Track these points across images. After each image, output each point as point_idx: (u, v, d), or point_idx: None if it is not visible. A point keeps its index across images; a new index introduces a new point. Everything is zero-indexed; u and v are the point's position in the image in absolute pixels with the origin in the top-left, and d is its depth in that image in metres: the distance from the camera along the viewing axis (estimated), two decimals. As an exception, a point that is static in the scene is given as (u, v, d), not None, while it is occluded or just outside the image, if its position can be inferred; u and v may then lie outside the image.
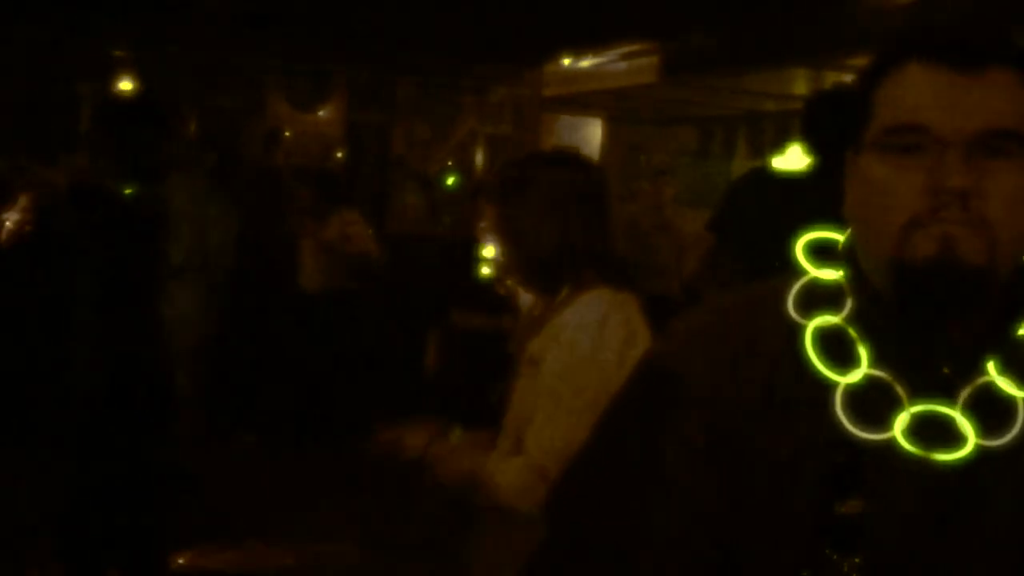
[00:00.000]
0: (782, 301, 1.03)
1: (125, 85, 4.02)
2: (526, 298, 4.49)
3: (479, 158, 8.10)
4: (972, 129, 0.93)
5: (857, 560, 0.88)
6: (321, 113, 7.49)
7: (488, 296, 4.58)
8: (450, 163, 8.23)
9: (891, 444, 0.96)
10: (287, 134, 7.31)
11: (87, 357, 3.02)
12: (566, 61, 7.60)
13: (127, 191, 2.97)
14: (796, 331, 1.01)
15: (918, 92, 0.96)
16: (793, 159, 4.81)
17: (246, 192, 5.94)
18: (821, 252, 1.06)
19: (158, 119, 3.04)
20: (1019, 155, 0.94)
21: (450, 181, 8.07)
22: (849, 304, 1.01)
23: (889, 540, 0.94)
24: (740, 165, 8.02)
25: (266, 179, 6.72)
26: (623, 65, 7.30)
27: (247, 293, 5.21)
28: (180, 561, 4.05)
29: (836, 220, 1.06)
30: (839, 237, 1.06)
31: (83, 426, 3.02)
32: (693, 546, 1.01)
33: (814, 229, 1.07)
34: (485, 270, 4.31)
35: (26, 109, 6.02)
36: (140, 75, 4.01)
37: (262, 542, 4.37)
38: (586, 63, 7.52)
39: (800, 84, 6.91)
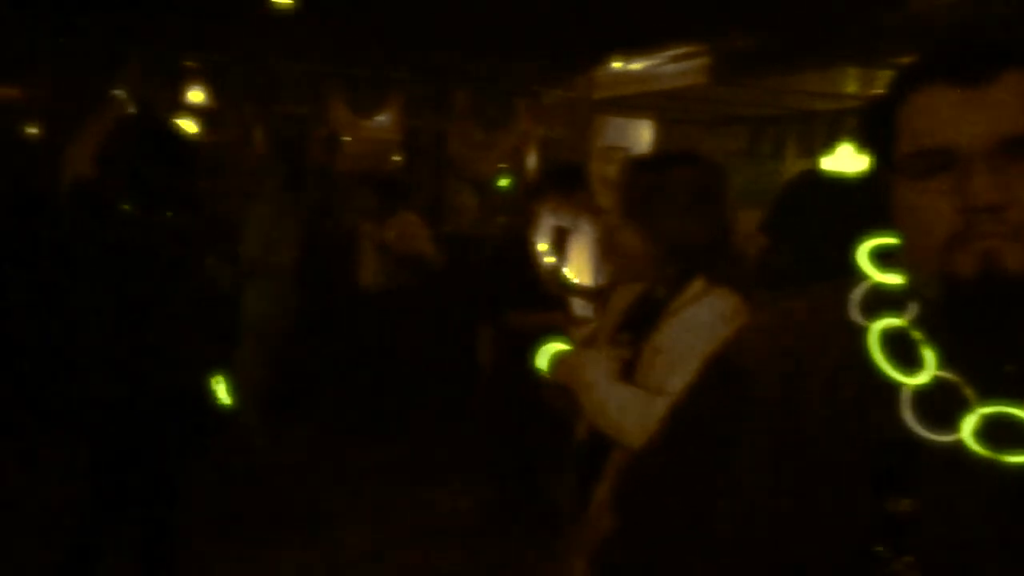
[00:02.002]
0: (845, 304, 1.03)
1: (195, 95, 4.22)
2: (576, 298, 4.59)
3: (531, 160, 8.20)
4: (991, 139, 0.92)
5: (909, 559, 0.88)
6: (379, 119, 7.66)
7: (540, 295, 4.69)
8: (503, 165, 8.35)
9: (958, 446, 0.94)
10: (347, 139, 7.50)
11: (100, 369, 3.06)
12: (617, 64, 7.67)
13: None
14: (861, 333, 1.00)
15: (932, 114, 0.96)
16: (844, 159, 4.82)
17: (309, 194, 6.10)
18: (882, 257, 1.05)
19: (171, 154, 3.06)
20: None
21: (504, 183, 8.18)
22: (913, 307, 1.00)
23: (947, 541, 0.92)
24: (791, 165, 7.98)
25: (327, 182, 6.91)
26: (673, 67, 7.32)
27: (309, 292, 5.35)
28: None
29: (891, 223, 1.06)
30: (899, 242, 1.05)
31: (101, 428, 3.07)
32: (755, 546, 1.01)
33: (875, 234, 1.07)
34: (542, 266, 4.43)
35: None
36: (209, 83, 4.18)
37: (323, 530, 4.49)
38: (636, 66, 7.57)
39: (851, 83, 6.84)
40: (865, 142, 3.31)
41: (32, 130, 7.15)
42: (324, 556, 4.21)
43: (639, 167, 2.16)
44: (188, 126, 5.52)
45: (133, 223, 3.02)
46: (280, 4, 6.22)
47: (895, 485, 0.89)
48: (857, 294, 1.03)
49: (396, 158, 7.93)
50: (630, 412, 1.93)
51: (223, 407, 3.13)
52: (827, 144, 6.93)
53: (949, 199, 0.94)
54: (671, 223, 2.00)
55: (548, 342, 2.24)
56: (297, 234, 5.07)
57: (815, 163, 6.65)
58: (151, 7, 6.08)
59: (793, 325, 1.05)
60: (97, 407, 3.02)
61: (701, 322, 1.94)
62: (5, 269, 5.26)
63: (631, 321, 2.16)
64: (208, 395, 3.10)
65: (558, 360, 2.16)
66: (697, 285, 2.02)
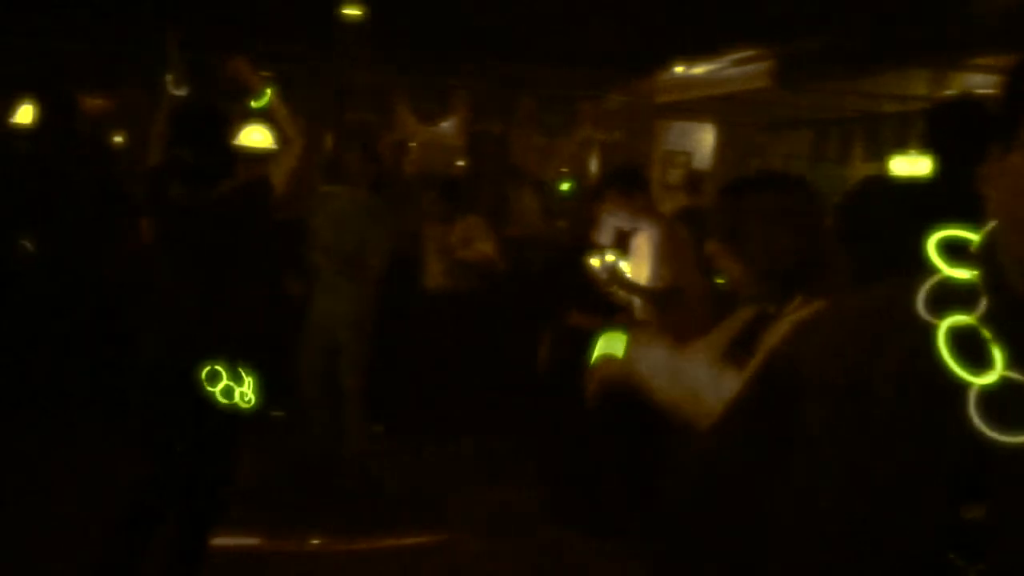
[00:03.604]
0: (912, 300, 1.00)
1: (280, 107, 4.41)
2: (637, 302, 4.63)
3: (593, 164, 8.25)
4: None
5: (982, 567, 0.86)
6: (444, 124, 7.80)
7: (601, 297, 4.73)
8: (565, 169, 8.41)
9: None
10: (413, 145, 7.64)
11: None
12: (679, 68, 7.67)
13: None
14: (928, 330, 0.97)
15: None
16: (914, 162, 4.77)
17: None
18: (953, 251, 1.03)
19: (204, 136, 3.23)
20: None
21: (565, 187, 8.24)
22: (983, 304, 0.97)
23: (1020, 549, 0.89)
24: (857, 168, 7.89)
25: (394, 187, 7.04)
26: (735, 71, 7.30)
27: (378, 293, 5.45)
28: (315, 542, 4.35)
29: (962, 224, 1.05)
30: (973, 236, 1.02)
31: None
32: (814, 548, 1.00)
33: (946, 227, 1.05)
34: (593, 268, 4.46)
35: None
36: (284, 93, 4.35)
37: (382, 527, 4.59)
38: (699, 70, 7.57)
39: (919, 84, 6.73)
40: (949, 133, 3.23)
41: (118, 139, 7.46)
42: (389, 549, 4.30)
43: (728, 192, 2.21)
44: (261, 134, 5.67)
45: (182, 210, 3.17)
46: (349, 15, 6.40)
47: (969, 491, 0.87)
48: (925, 289, 1.00)
49: (460, 163, 8.05)
50: (708, 389, 1.96)
51: (247, 405, 3.21)
52: (896, 147, 6.85)
53: None
54: (760, 246, 2.05)
55: (610, 335, 2.27)
56: (389, 238, 5.18)
57: (883, 167, 6.58)
58: (226, 18, 6.30)
59: (857, 323, 1.04)
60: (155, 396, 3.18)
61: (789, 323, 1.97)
62: (92, 273, 5.51)
63: (744, 337, 2.19)
64: (233, 391, 3.19)
65: (631, 349, 2.16)
66: (797, 302, 2.07)
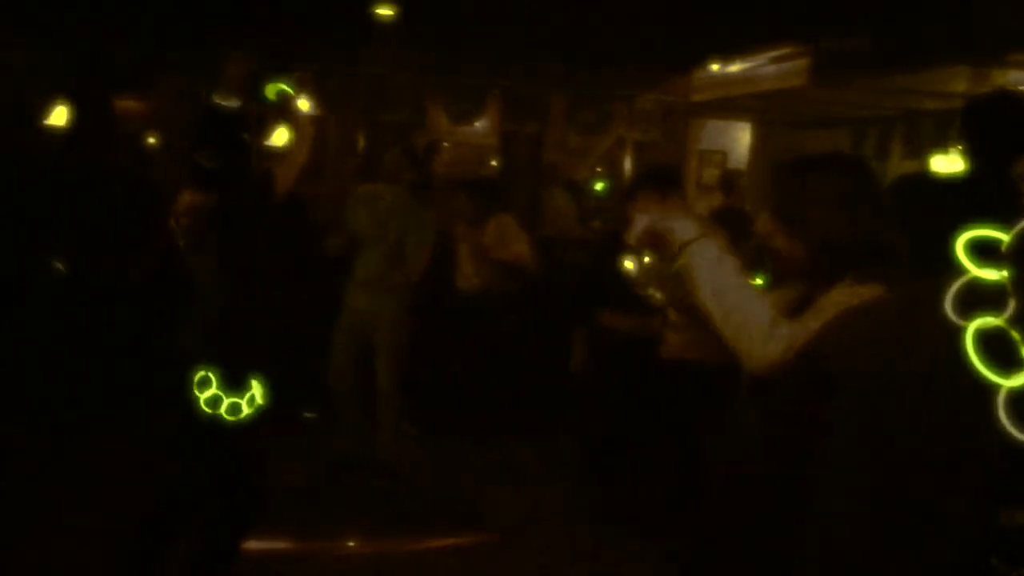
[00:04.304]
0: (941, 301, 1.00)
1: (302, 103, 4.39)
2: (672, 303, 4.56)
3: (627, 164, 8.20)
4: None
5: (1022, 572, 0.86)
6: (477, 124, 7.79)
7: (636, 299, 4.69)
8: (599, 169, 8.37)
9: None
10: (446, 145, 7.65)
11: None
12: (714, 66, 7.61)
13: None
14: (956, 332, 0.98)
15: None
16: (954, 161, 4.68)
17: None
18: (983, 251, 1.02)
19: (215, 140, 3.28)
20: None
21: (599, 187, 8.21)
22: (1012, 305, 0.98)
23: None
24: (896, 167, 7.78)
25: (426, 188, 7.03)
26: (772, 68, 7.23)
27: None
28: (351, 544, 4.35)
29: (997, 223, 1.03)
30: (1003, 236, 1.02)
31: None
32: (845, 533, 1.00)
33: (975, 227, 1.04)
34: (628, 271, 4.42)
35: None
36: (320, 94, 4.40)
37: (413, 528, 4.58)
38: (735, 68, 7.50)
39: (960, 81, 6.60)
40: (988, 130, 3.15)
41: (152, 139, 7.53)
42: (423, 551, 4.30)
43: (784, 171, 2.19)
44: (287, 134, 5.72)
45: (202, 211, 3.20)
46: (382, 15, 6.40)
47: (1010, 495, 0.87)
48: (954, 290, 1.00)
49: (493, 163, 8.04)
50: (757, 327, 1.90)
51: (232, 417, 3.20)
52: (936, 145, 6.73)
53: None
54: (819, 226, 2.03)
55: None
56: (428, 238, 5.19)
57: (923, 165, 6.46)
58: (260, 19, 6.33)
59: (885, 323, 1.05)
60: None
61: (833, 303, 1.93)
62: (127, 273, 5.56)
63: (789, 315, 2.20)
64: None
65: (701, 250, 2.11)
66: (846, 282, 2.04)
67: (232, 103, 3.63)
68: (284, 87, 3.60)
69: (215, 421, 3.14)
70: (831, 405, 1.02)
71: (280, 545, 4.11)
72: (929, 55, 5.82)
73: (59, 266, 5.49)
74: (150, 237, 5.32)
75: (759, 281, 2.42)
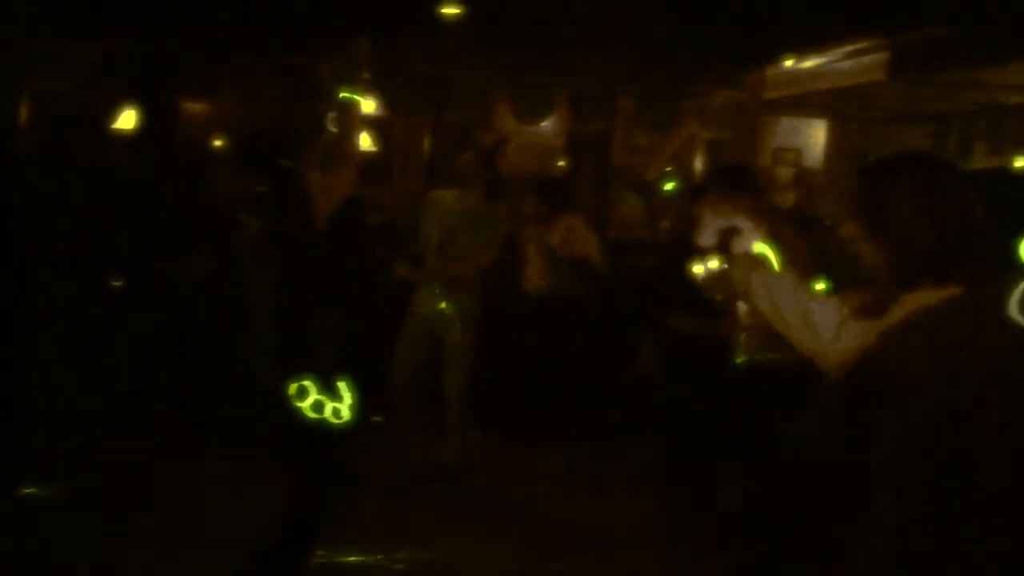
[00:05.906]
0: (1005, 302, 1.01)
1: (367, 105, 4.41)
2: (743, 305, 4.46)
3: (698, 163, 8.08)
4: None
5: None
6: (544, 124, 7.76)
7: (705, 300, 4.59)
8: (669, 169, 8.27)
9: None
10: (512, 145, 7.62)
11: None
12: (788, 62, 7.46)
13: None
14: (1020, 333, 0.98)
15: None
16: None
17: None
18: None
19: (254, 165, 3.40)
20: None
21: (669, 187, 8.10)
22: None
23: None
24: (979, 163, 7.56)
25: (493, 188, 7.02)
26: (849, 63, 7.06)
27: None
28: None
29: None
30: None
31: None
32: (902, 536, 0.99)
33: None
34: (698, 274, 4.33)
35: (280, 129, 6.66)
36: (383, 96, 4.41)
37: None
38: (809, 63, 7.34)
39: (1047, 74, 6.40)
40: None
41: (218, 142, 7.66)
42: (486, 563, 4.25)
43: (866, 174, 2.15)
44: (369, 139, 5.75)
45: (256, 236, 3.33)
46: (448, 14, 6.40)
47: None
48: (1019, 291, 1.01)
49: (561, 163, 7.99)
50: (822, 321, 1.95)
51: (338, 420, 3.29)
52: (1022, 141, 6.52)
53: None
54: (904, 231, 1.96)
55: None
56: (497, 244, 5.18)
57: (1007, 162, 6.25)
58: (326, 23, 6.38)
59: (946, 326, 1.05)
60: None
61: (907, 305, 1.93)
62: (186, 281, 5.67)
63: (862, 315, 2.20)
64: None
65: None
66: (926, 286, 2.00)
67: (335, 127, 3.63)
68: (350, 93, 3.58)
69: (322, 426, 3.26)
70: (891, 406, 1.02)
71: (340, 549, 4.09)
72: (1013, 46, 5.63)
73: (116, 283, 5.61)
74: (205, 242, 5.41)
75: (822, 286, 2.46)
